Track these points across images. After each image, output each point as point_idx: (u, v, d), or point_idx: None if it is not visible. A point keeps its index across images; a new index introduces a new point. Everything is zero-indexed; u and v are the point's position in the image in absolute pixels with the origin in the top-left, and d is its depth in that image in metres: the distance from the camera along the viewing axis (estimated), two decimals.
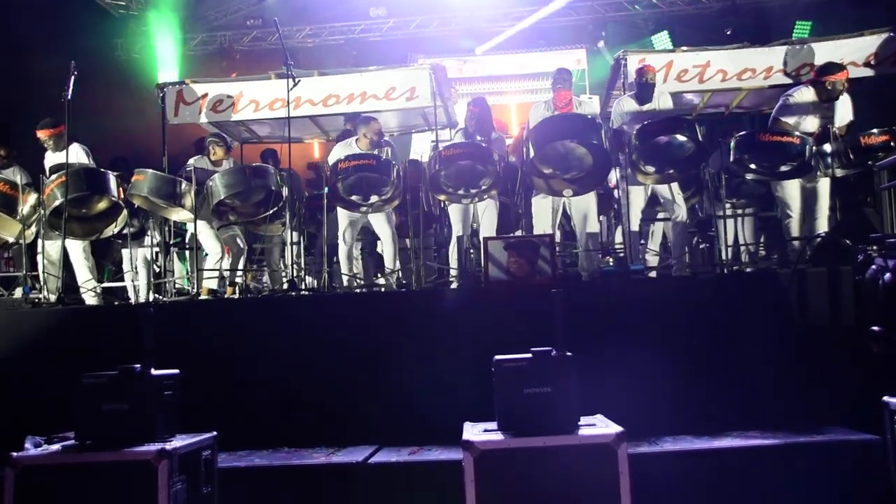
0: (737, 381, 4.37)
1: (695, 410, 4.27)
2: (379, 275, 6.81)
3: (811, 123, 5.99)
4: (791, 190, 5.95)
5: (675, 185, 6.02)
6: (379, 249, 6.89)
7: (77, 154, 6.50)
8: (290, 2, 12.08)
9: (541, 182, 5.80)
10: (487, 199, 6.18)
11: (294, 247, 6.51)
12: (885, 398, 3.48)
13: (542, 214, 6.05)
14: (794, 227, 5.93)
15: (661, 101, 6.26)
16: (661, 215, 6.80)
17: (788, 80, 6.95)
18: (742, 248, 6.85)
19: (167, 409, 3.51)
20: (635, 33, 11.95)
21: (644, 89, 6.19)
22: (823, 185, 5.94)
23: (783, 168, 5.81)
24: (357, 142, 6.57)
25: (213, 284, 6.39)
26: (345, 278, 6.45)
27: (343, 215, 6.45)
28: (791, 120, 6.01)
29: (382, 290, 6.41)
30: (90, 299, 6.21)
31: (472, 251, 6.33)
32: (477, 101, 6.59)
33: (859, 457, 3.74)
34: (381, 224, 6.45)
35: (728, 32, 10.98)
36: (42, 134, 6.41)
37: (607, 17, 12.07)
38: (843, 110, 6.03)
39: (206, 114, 7.42)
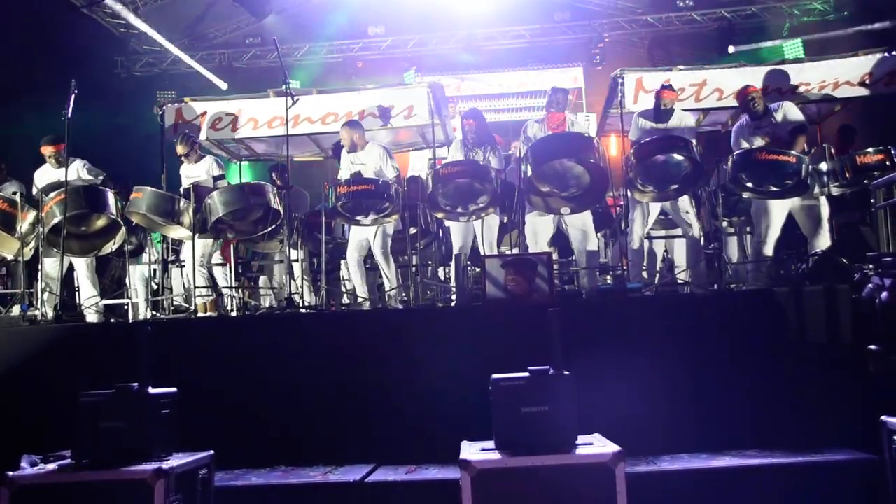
0: (735, 399, 4.36)
1: (693, 429, 4.26)
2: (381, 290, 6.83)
3: (760, 141, 6.09)
4: (771, 211, 5.95)
5: (686, 202, 6.04)
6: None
7: (78, 171, 6.55)
8: (289, 20, 12.18)
9: (538, 200, 5.82)
10: (490, 215, 6.20)
11: (293, 264, 6.52)
12: (884, 418, 3.48)
13: (538, 232, 6.06)
14: (764, 246, 5.95)
15: (678, 119, 6.28)
16: (662, 232, 6.82)
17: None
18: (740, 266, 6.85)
19: (164, 428, 3.50)
20: (632, 52, 12.05)
21: (661, 112, 6.24)
22: (822, 203, 5.95)
23: (780, 186, 5.82)
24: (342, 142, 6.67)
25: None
26: (347, 295, 6.47)
27: (353, 230, 6.49)
28: (744, 143, 6.13)
29: (377, 307, 6.43)
30: (91, 316, 6.20)
31: (470, 267, 6.34)
32: (473, 113, 6.63)
33: (858, 476, 3.72)
34: (375, 241, 6.48)
35: (732, 51, 11.09)
36: (47, 150, 6.44)
37: (604, 36, 12.18)
38: (789, 116, 6.13)
39: (205, 131, 7.47)
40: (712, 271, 6.05)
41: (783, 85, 7.07)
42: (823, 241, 5.81)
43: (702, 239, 6.05)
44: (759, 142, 6.09)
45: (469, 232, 6.39)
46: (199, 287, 6.43)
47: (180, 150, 6.90)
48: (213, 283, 6.79)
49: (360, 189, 6.05)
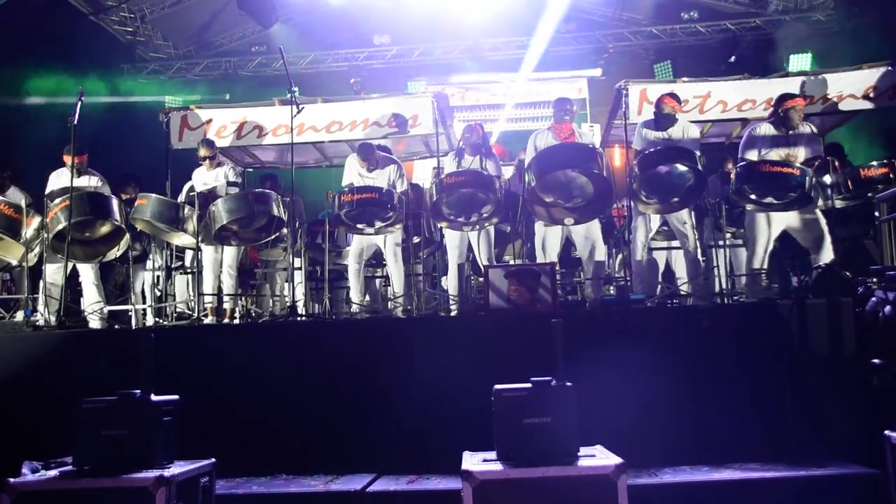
0: (737, 412, 4.35)
1: (695, 442, 4.25)
2: (386, 298, 6.84)
3: (775, 155, 5.98)
4: (761, 224, 5.92)
5: (685, 214, 6.02)
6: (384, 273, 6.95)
7: (93, 183, 6.59)
8: (295, 29, 12.23)
9: (542, 210, 5.82)
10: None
11: (295, 272, 6.53)
12: (887, 432, 3.47)
13: (547, 242, 6.05)
14: (755, 261, 5.93)
15: (680, 129, 6.21)
16: (664, 244, 6.81)
17: None
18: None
19: (166, 435, 3.50)
20: (636, 63, 12.08)
21: (661, 119, 6.20)
22: (820, 217, 5.93)
23: (783, 199, 5.81)
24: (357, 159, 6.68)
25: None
26: (351, 304, 6.47)
27: (356, 238, 6.51)
28: (753, 154, 6.02)
29: (380, 315, 6.42)
30: (95, 322, 6.21)
31: (472, 277, 6.34)
32: (480, 125, 6.68)
33: (860, 491, 3.70)
34: (387, 247, 6.51)
35: (732, 60, 11.10)
36: (69, 158, 6.45)
37: (609, 47, 12.20)
38: (809, 146, 6.01)
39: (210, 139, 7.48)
40: (715, 283, 6.05)
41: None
42: (827, 254, 5.79)
43: (698, 251, 6.04)
44: (774, 154, 5.96)
45: (464, 241, 6.38)
46: (228, 294, 6.56)
47: (204, 152, 6.87)
48: (219, 290, 6.81)
49: (365, 198, 6.06)
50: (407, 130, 7.38)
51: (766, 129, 6.08)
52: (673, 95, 6.25)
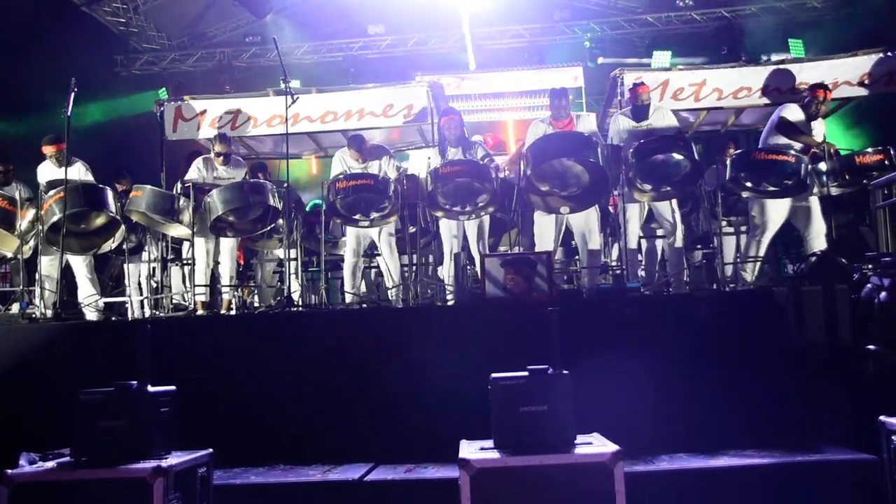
0: (733, 399, 4.36)
1: (691, 429, 4.26)
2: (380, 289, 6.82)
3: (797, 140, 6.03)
4: (771, 211, 5.97)
5: (673, 203, 6.03)
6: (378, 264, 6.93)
7: (80, 171, 6.52)
8: (289, 19, 12.18)
9: (538, 199, 5.82)
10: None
11: (291, 263, 6.51)
12: (882, 418, 3.48)
13: (544, 231, 6.05)
14: (763, 245, 5.99)
15: (659, 116, 6.23)
16: (659, 232, 6.81)
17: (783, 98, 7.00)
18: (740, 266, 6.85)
19: (163, 426, 3.50)
20: (631, 51, 12.05)
21: (639, 109, 6.20)
22: (816, 204, 5.95)
23: (779, 186, 5.82)
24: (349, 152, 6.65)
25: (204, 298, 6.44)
26: (348, 295, 6.46)
27: (350, 229, 6.48)
28: (782, 140, 6.04)
29: (379, 305, 6.42)
30: (91, 314, 6.20)
31: (469, 267, 6.33)
32: (453, 110, 6.58)
33: (856, 476, 3.72)
34: (381, 238, 6.50)
35: (724, 52, 11.09)
36: (48, 149, 6.41)
37: (604, 35, 12.17)
38: (819, 131, 6.13)
39: (205, 130, 7.47)
40: (710, 271, 6.05)
41: (783, 85, 7.07)
42: (821, 240, 5.82)
43: (677, 241, 6.03)
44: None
45: (459, 230, 6.35)
46: (227, 285, 6.56)
47: (220, 148, 6.65)
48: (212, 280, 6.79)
49: (360, 184, 6.03)
50: (402, 120, 7.37)
51: (797, 113, 6.11)
52: (642, 84, 6.27)
